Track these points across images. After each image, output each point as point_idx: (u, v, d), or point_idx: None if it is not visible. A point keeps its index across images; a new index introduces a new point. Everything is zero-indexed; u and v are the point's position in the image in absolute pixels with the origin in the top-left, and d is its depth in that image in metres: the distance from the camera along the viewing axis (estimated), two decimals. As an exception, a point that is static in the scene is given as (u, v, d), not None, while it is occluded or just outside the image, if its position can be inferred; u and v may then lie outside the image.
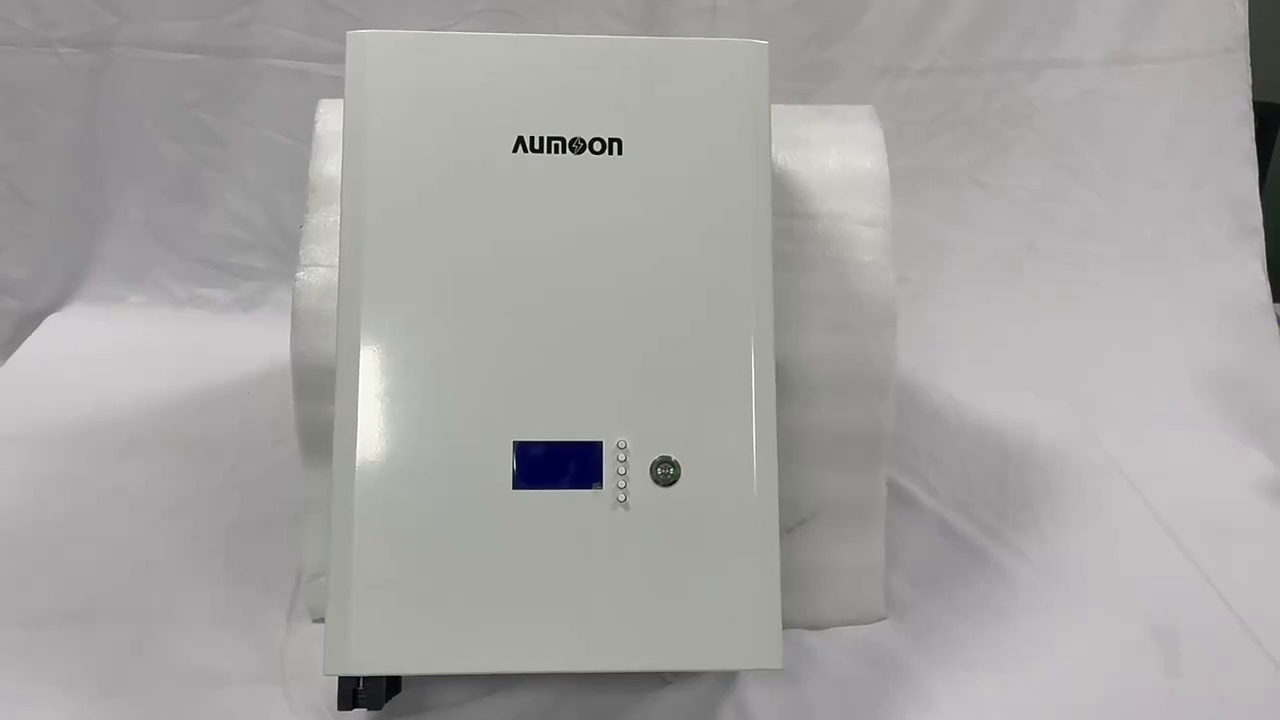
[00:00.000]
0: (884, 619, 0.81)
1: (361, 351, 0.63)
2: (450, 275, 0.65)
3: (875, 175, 0.80)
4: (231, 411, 1.04)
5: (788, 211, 0.78)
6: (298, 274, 0.77)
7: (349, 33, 0.66)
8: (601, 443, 0.64)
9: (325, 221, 0.78)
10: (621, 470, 0.63)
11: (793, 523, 0.79)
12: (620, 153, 0.66)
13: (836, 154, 0.81)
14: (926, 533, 0.91)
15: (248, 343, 1.15)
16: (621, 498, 0.63)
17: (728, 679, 0.75)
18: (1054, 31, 1.22)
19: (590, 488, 0.63)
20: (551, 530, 0.63)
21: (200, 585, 0.83)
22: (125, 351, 1.15)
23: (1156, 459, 1.02)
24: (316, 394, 0.74)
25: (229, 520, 0.90)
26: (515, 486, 0.63)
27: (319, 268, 0.77)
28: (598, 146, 0.66)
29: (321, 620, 0.71)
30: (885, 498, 0.81)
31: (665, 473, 0.63)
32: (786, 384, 0.72)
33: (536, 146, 0.66)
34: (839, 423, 0.78)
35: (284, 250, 1.22)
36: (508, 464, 0.63)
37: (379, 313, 0.64)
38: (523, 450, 0.63)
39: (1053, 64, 1.23)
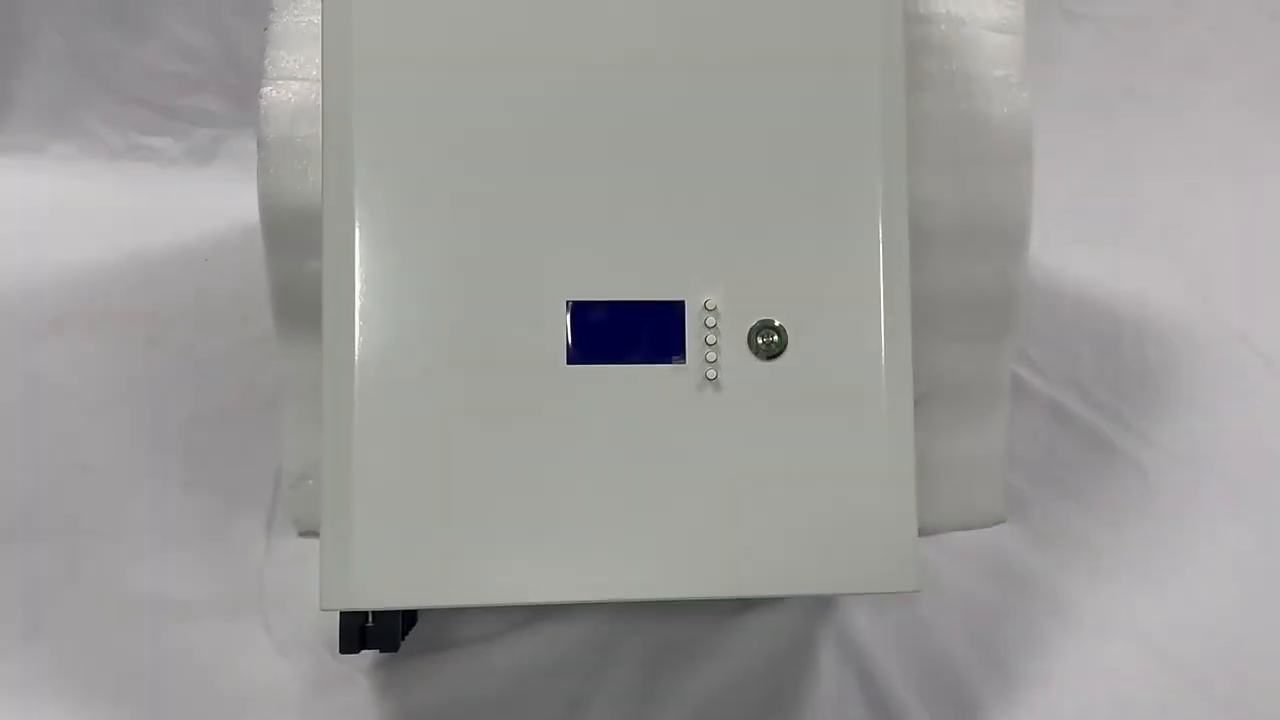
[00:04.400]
0: (1003, 521, 0.71)
1: (355, 189, 0.51)
2: (478, 83, 0.52)
3: (1005, -38, 0.68)
4: (184, 283, 0.90)
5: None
6: (263, 89, 0.64)
7: None
8: (684, 303, 0.52)
9: (297, 23, 0.65)
10: (711, 339, 0.52)
11: (900, 406, 0.67)
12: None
13: (955, -64, 0.69)
14: (1039, 420, 0.82)
15: (203, 202, 1.00)
16: (711, 374, 0.52)
17: (824, 598, 0.65)
18: None
19: (669, 362, 0.52)
20: (617, 418, 0.51)
21: (150, 492, 0.72)
22: (48, 212, 1.00)
23: (1284, 329, 0.93)
24: (293, 245, 0.62)
25: (184, 412, 0.78)
26: (570, 361, 0.51)
27: (293, 81, 0.64)
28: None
29: (310, 534, 0.62)
30: (1010, 376, 0.70)
31: (768, 341, 0.52)
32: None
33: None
34: (961, 282, 0.66)
35: (242, 90, 1.07)
36: (560, 332, 0.51)
37: (377, 133, 0.51)
38: (580, 313, 0.51)
39: None
